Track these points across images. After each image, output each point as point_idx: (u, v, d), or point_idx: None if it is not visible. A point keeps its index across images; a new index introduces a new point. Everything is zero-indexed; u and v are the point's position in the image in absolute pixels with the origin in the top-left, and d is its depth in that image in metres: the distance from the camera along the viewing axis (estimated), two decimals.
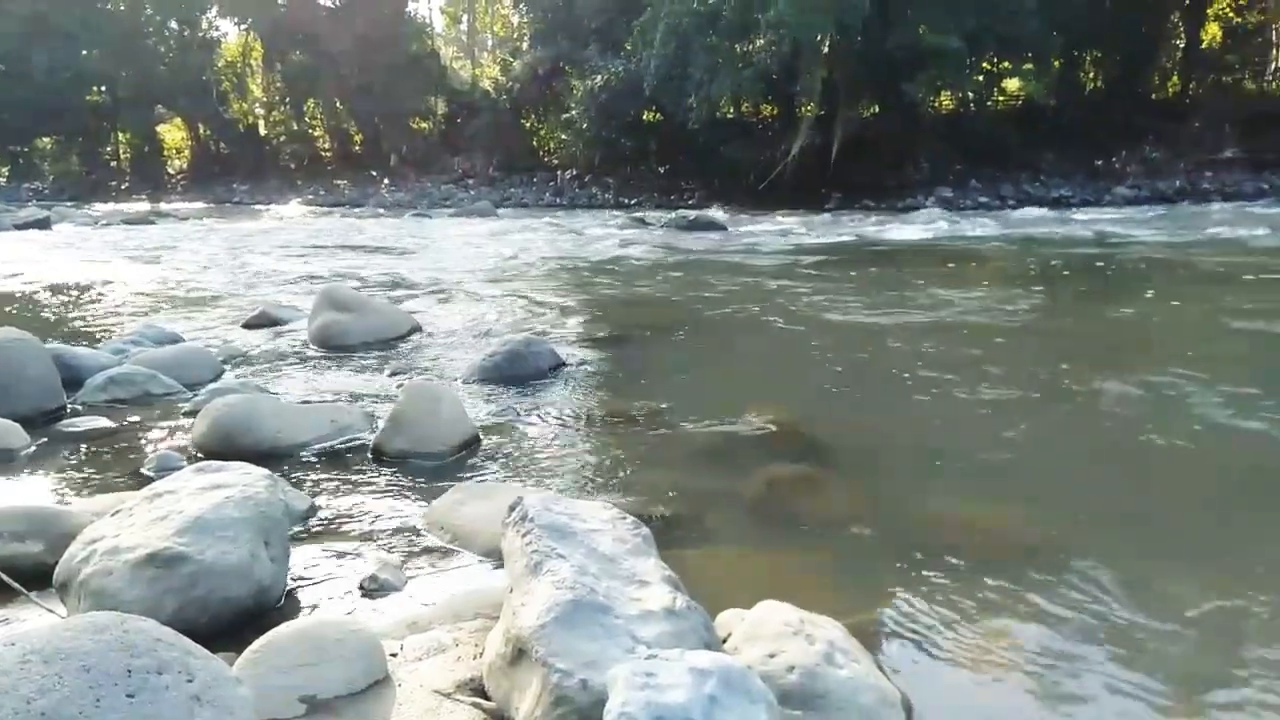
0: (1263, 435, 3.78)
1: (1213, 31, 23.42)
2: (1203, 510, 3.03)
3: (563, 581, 1.78)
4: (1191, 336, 5.94)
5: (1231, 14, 23.32)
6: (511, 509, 2.04)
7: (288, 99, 37.82)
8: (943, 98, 22.37)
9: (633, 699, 1.40)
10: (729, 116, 23.85)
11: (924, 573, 2.56)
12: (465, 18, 42.21)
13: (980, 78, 21.21)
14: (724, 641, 1.96)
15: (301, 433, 3.59)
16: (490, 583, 2.36)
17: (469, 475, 3.28)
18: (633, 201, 23.51)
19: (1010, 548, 2.73)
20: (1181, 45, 23.27)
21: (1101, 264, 10.20)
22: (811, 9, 18.67)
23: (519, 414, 4.16)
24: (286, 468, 3.34)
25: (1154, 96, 23.54)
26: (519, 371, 4.78)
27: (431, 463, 3.41)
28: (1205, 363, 5.27)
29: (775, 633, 1.94)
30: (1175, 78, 23.67)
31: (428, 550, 2.65)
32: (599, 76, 23.80)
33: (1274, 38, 23.22)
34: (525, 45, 30.64)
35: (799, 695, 1.81)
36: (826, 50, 20.51)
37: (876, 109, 22.24)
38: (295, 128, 38.00)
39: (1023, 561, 2.64)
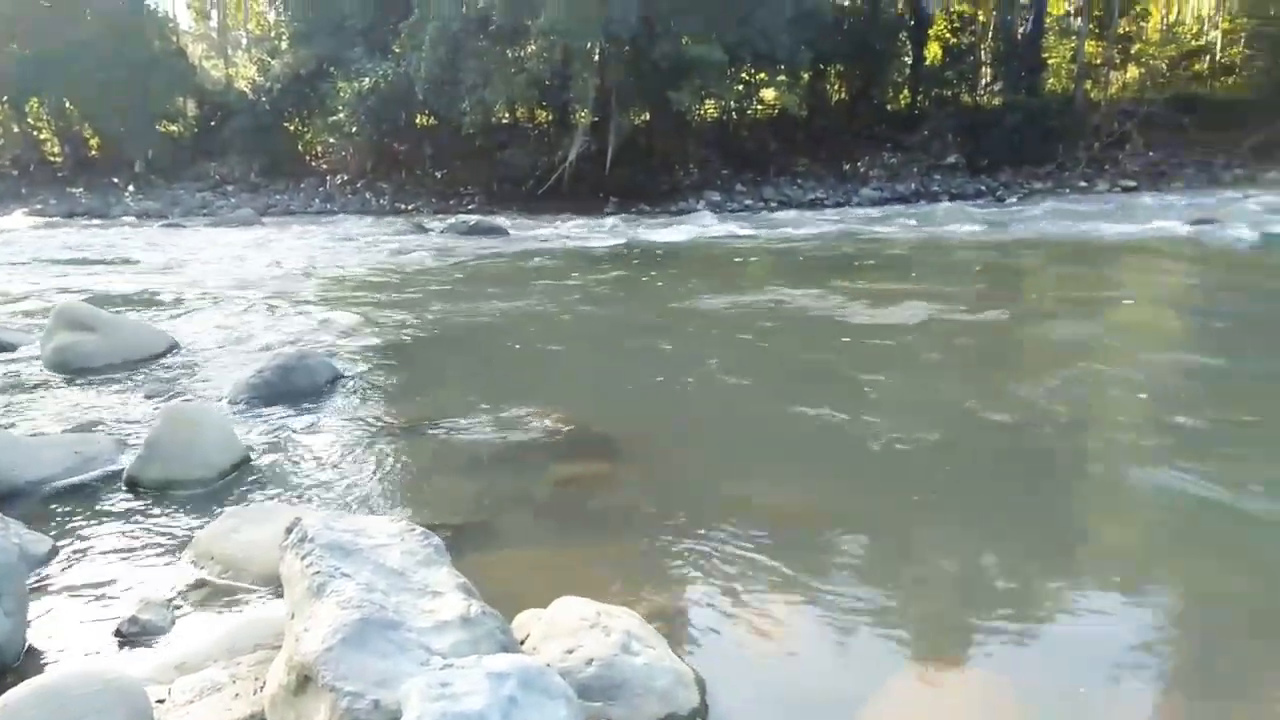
0: (991, 413, 4.26)
1: (934, 50, 26.17)
2: (947, 478, 3.37)
3: (349, 601, 1.73)
4: (933, 325, 6.59)
5: (949, 35, 26.17)
6: (289, 531, 1.95)
7: (4, 98, 33.47)
8: (708, 106, 23.45)
9: (428, 711, 1.38)
10: (505, 121, 23.74)
11: (712, 554, 2.69)
12: (214, 13, 39.23)
13: (740, 88, 22.43)
14: (523, 642, 1.98)
15: (38, 467, 3.20)
16: (269, 612, 2.22)
17: (241, 500, 3.07)
18: (410, 207, 22.81)
19: (786, 524, 2.92)
20: (909, 62, 25.81)
21: (851, 257, 11.10)
22: (580, 18, 18.97)
23: (294, 431, 3.93)
24: (20, 508, 2.97)
25: (889, 108, 25.97)
26: (292, 387, 4.51)
27: (197, 490, 3.15)
28: (950, 347, 5.89)
29: (572, 628, 1.98)
30: (906, 91, 26.22)
31: (197, 584, 2.45)
32: (367, 79, 22.92)
33: (983, 57, 26.31)
34: (284, 44, 28.89)
35: (598, 686, 1.85)
36: (597, 58, 20.91)
37: (648, 116, 22.95)
38: (15, 130, 33.70)
39: (799, 535, 2.84)
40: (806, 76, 23.50)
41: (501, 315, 7.22)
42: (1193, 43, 25.86)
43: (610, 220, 18.09)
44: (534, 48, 20.55)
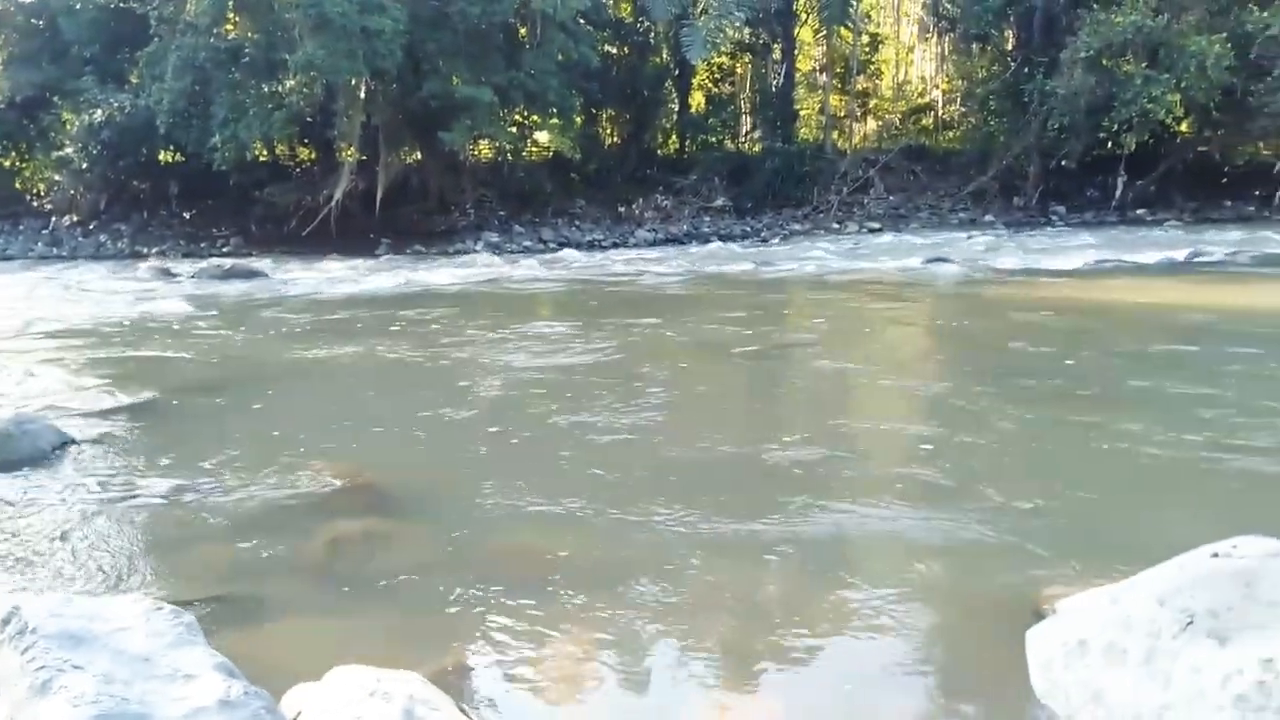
0: (757, 444, 4.42)
1: (698, 99, 27.74)
2: (716, 509, 3.44)
3: (81, 697, 1.55)
4: (709, 362, 6.82)
5: (711, 85, 27.83)
6: (4, 622, 1.73)
7: None
8: (481, 146, 23.36)
9: None
10: (263, 159, 22.38)
11: (497, 606, 2.60)
12: None
13: (514, 129, 22.54)
14: (295, 719, 1.83)
15: None
16: None
17: None
18: (154, 250, 20.81)
19: (568, 567, 2.90)
20: (676, 109, 27.15)
21: (632, 297, 11.36)
22: (342, 54, 18.30)
23: (13, 506, 3.38)
24: None
25: (660, 152, 27.11)
26: (9, 455, 3.92)
27: None
28: (725, 383, 6.09)
29: (350, 698, 1.86)
30: (674, 136, 27.52)
31: None
32: (99, 111, 20.82)
33: (743, 106, 28.18)
34: None
35: None
36: (362, 95, 20.25)
37: (419, 155, 22.49)
38: None
39: (582, 578, 2.82)
40: (579, 120, 24.01)
41: (262, 366, 6.70)
42: (919, 100, 29.08)
43: (384, 261, 17.50)
44: (293, 83, 19.56)
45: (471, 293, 12.41)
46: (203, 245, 21.30)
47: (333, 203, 20.51)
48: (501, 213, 22.93)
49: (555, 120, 22.42)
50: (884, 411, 5.10)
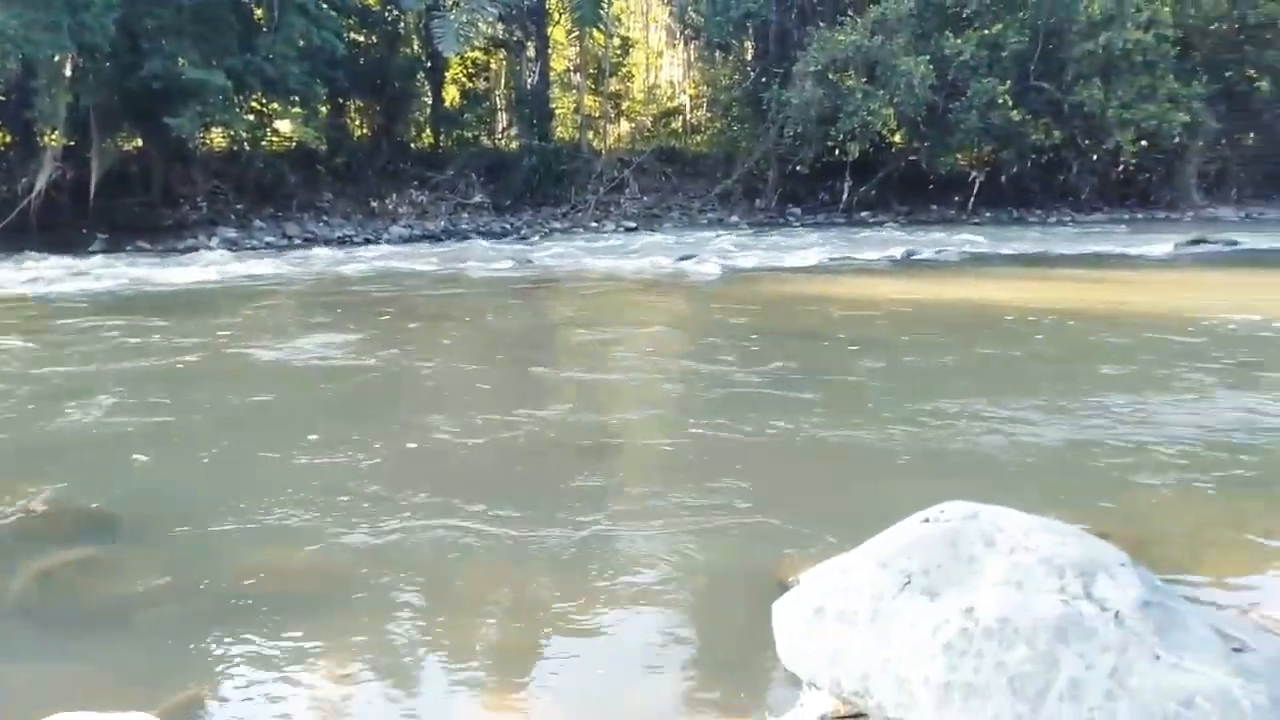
0: (513, 439, 4.38)
1: (452, 94, 27.12)
2: (447, 511, 3.37)
3: None
4: (469, 362, 6.68)
5: (465, 80, 27.31)
6: None
7: None
8: (214, 135, 21.49)
9: None
10: None
11: (239, 632, 2.41)
12: None
13: (251, 117, 20.93)
14: None
15: None
16: None
17: None
18: None
19: (311, 584, 2.75)
20: (430, 103, 26.40)
21: (383, 298, 10.90)
22: (40, 25, 16.11)
23: None
24: None
25: (413, 146, 26.23)
26: None
27: None
28: (491, 380, 5.98)
29: None
30: (428, 131, 26.75)
31: None
32: None
33: (499, 103, 27.92)
34: None
35: None
36: (69, 73, 17.95)
37: (140, 142, 20.32)
38: None
39: (325, 592, 2.68)
40: (324, 110, 22.71)
41: None
42: (669, 104, 30.22)
43: (97, 259, 15.64)
44: None
45: (204, 294, 11.41)
46: None
47: (34, 193, 18.05)
48: (239, 206, 21.22)
49: (297, 109, 21.09)
50: (623, 406, 5.24)
